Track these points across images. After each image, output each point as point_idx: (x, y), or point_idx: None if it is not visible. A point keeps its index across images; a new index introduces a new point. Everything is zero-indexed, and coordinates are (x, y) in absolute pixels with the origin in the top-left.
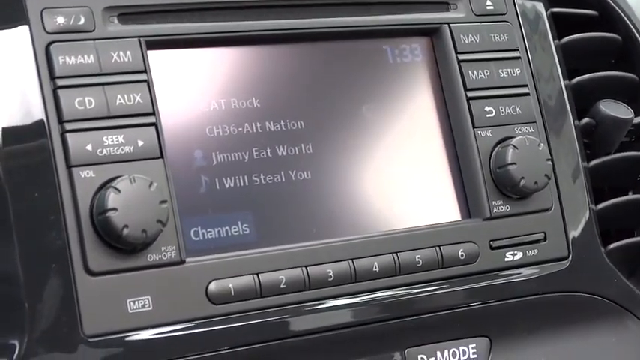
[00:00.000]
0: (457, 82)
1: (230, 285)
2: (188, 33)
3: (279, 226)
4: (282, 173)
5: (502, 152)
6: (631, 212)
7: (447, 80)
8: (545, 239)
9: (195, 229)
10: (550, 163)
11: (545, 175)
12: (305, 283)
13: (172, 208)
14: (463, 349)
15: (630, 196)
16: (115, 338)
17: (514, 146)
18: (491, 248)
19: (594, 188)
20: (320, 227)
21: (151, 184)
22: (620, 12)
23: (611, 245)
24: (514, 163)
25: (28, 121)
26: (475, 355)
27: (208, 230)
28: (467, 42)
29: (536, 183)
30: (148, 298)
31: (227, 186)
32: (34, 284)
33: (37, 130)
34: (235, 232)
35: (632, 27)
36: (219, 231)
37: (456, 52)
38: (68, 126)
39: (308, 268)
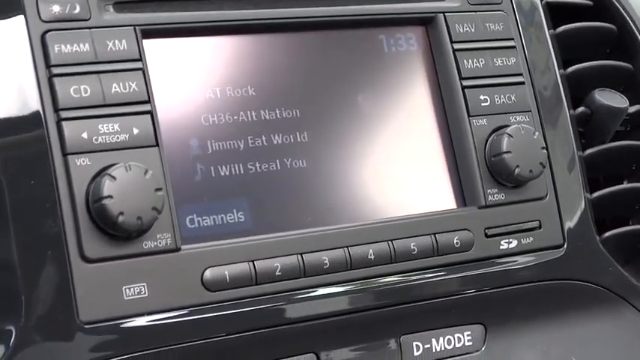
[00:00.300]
0: (452, 71)
1: (225, 272)
2: (184, 22)
3: (274, 214)
4: (278, 161)
5: (497, 140)
6: (626, 201)
7: (442, 69)
8: (540, 227)
9: (190, 216)
10: (545, 151)
11: (540, 164)
12: (300, 271)
13: (168, 195)
14: (458, 337)
15: (625, 185)
16: (111, 325)
17: (509, 134)
18: (487, 236)
19: (589, 177)
20: (315, 215)
21: (146, 172)
22: (614, 1)
23: (607, 234)
24: (509, 152)
25: (24, 110)
26: (470, 343)
27: (204, 218)
28: (462, 31)
29: (531, 171)
30: (143, 285)
31: (222, 174)
32: (30, 271)
33: (32, 118)
34: (231, 219)
35: (627, 17)
36: (214, 218)
37: (451, 42)
38: (64, 114)
39: (303, 255)
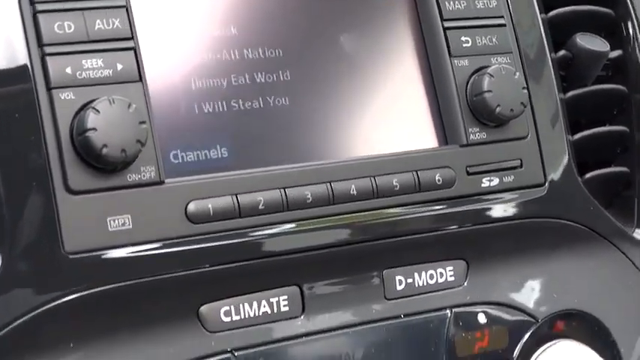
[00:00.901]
0: (434, 12)
1: (209, 205)
2: None
3: (257, 150)
4: (261, 99)
5: (478, 80)
6: (607, 144)
7: (424, 10)
8: (521, 166)
9: (174, 152)
10: (526, 91)
11: (521, 103)
12: (283, 205)
13: (151, 129)
14: (440, 272)
15: (606, 128)
16: (96, 255)
17: (490, 74)
18: (468, 174)
19: (571, 121)
20: (298, 151)
21: (129, 105)
22: None
23: (588, 175)
24: (490, 91)
25: (8, 45)
26: (453, 278)
27: (187, 153)
28: None
29: (512, 110)
30: (127, 217)
31: (206, 110)
32: (16, 203)
33: (17, 53)
34: (214, 155)
35: None
36: (197, 154)
37: None
38: (48, 49)
39: (286, 189)
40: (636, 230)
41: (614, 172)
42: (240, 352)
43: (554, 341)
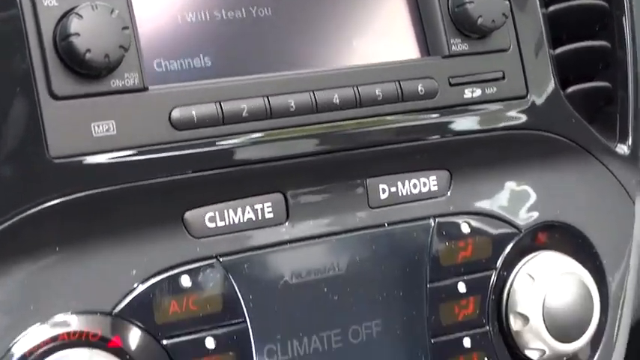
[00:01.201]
0: None
1: (193, 112)
2: None
3: (240, 60)
4: (244, 9)
5: None
6: (589, 60)
7: None
8: (503, 78)
9: (157, 60)
10: (507, 2)
11: (503, 14)
12: (267, 112)
13: (134, 35)
14: (424, 181)
15: (588, 43)
16: (80, 160)
17: None
18: (450, 85)
19: (553, 37)
20: (281, 61)
21: (112, 11)
22: None
23: (570, 88)
24: (472, 2)
25: None
26: (436, 188)
27: (170, 62)
28: None
29: (493, 21)
30: (112, 123)
31: (189, 20)
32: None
33: None
34: (197, 64)
35: None
36: (181, 63)
37: None
38: None
39: (269, 97)
40: (618, 145)
41: (595, 87)
42: (225, 258)
43: (537, 252)
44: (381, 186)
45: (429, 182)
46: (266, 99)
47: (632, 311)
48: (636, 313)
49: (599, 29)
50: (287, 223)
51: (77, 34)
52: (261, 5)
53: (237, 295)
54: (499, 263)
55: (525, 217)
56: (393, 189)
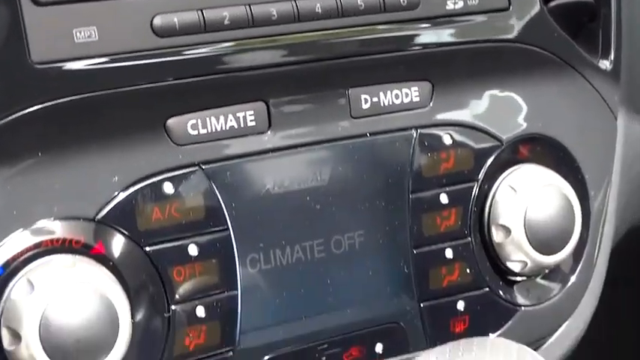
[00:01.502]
0: None
1: (175, 19)
2: None
3: None
4: None
5: None
6: None
7: None
8: None
9: None
10: None
11: None
12: (248, 21)
13: None
14: (406, 92)
15: None
16: (62, 66)
17: None
18: None
19: None
20: None
21: None
22: None
23: (553, 3)
24: None
25: None
26: (418, 99)
27: None
28: None
29: None
30: (93, 29)
31: None
32: None
33: None
34: None
35: None
36: None
37: None
38: None
39: (251, 5)
40: (601, 60)
41: (578, 2)
42: (208, 166)
43: (519, 165)
44: (363, 96)
45: (410, 93)
46: (248, 7)
47: (613, 228)
48: (618, 232)
49: None
50: (269, 132)
51: None
52: None
53: (220, 203)
54: (481, 175)
55: (508, 129)
56: (375, 99)
